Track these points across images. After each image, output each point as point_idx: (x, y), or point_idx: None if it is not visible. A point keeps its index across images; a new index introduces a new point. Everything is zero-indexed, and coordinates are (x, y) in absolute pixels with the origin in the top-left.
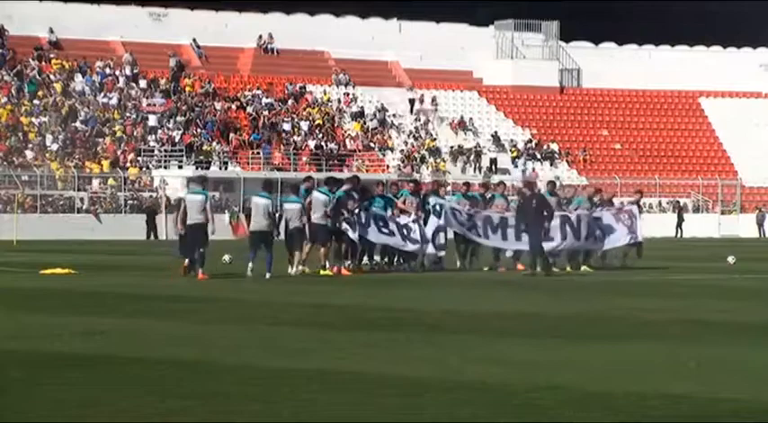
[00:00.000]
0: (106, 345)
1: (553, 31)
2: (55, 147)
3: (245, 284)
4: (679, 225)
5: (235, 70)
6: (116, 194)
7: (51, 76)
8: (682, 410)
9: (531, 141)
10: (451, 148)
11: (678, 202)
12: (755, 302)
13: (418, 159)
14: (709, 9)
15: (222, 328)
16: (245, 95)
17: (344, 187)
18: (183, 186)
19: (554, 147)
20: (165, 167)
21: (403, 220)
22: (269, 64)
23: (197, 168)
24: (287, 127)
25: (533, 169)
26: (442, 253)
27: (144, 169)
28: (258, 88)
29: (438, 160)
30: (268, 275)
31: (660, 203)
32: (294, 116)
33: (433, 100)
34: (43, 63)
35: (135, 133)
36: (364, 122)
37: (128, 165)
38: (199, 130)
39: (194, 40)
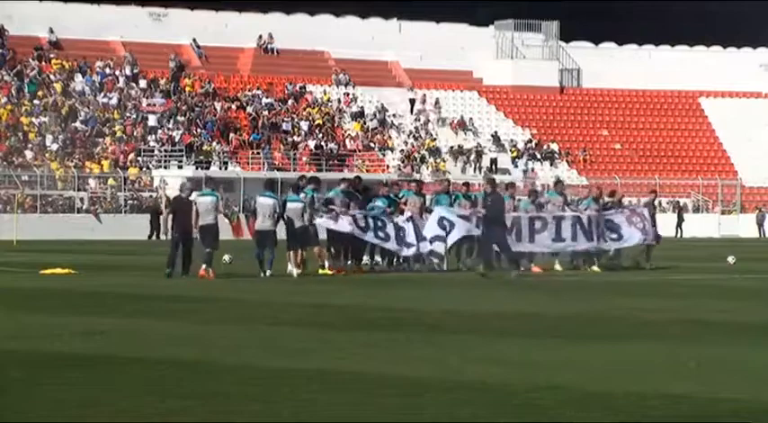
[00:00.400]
0: (106, 345)
1: (553, 31)
2: (55, 147)
3: (245, 284)
4: (679, 225)
5: (235, 70)
6: (116, 194)
7: (51, 76)
8: (682, 410)
9: (531, 141)
10: (451, 148)
11: (678, 202)
12: (755, 302)
13: (418, 159)
14: (709, 9)
15: (222, 328)
16: (245, 95)
17: (341, 187)
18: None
19: (554, 147)
20: (165, 167)
21: (400, 220)
22: (269, 64)
23: (197, 168)
24: (287, 127)
25: (533, 169)
26: (436, 260)
27: (144, 169)
28: (258, 88)
29: (438, 160)
30: (268, 273)
31: (660, 203)
32: (294, 116)
33: (437, 103)
34: (43, 63)
35: (135, 133)
36: (364, 122)
37: (128, 165)
38: (199, 130)
39: (194, 40)
